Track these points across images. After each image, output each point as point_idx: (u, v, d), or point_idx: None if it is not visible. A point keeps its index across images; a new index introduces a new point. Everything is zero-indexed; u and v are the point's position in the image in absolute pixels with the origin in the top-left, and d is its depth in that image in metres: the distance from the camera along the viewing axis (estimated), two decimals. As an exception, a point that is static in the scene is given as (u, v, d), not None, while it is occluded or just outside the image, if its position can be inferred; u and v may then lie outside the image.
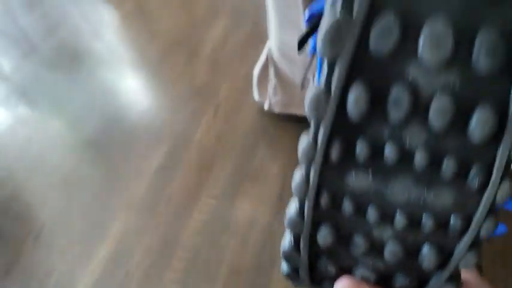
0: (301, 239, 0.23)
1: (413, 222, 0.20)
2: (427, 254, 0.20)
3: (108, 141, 1.22)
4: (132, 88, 1.35)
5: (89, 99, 1.34)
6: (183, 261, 0.97)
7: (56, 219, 1.07)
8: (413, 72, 0.16)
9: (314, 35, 0.45)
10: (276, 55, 1.07)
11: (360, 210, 0.20)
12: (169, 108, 1.28)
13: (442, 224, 0.19)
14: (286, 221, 0.23)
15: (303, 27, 0.53)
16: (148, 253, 0.99)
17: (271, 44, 1.07)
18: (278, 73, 1.11)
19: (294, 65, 1.07)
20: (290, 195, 0.94)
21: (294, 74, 1.09)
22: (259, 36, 1.45)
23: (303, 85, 0.49)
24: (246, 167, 1.13)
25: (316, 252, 0.23)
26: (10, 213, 1.09)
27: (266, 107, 1.19)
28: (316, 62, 0.47)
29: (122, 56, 1.47)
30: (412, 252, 0.21)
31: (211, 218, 1.04)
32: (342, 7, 0.16)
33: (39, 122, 1.30)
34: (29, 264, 0.99)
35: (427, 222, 0.19)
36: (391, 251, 0.21)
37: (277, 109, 1.18)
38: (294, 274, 0.26)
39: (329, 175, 0.20)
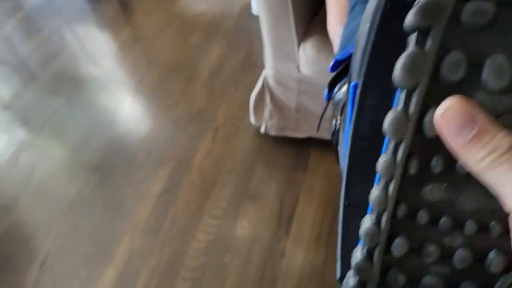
0: (377, 251, 0.24)
1: (482, 228, 0.21)
2: (494, 258, 0.22)
3: (110, 166, 1.26)
4: (132, 113, 1.40)
5: (90, 125, 1.38)
6: (189, 281, 1.01)
7: (61, 245, 1.10)
8: (479, 96, 0.19)
9: (338, 81, 0.49)
10: (271, 82, 1.14)
11: (434, 219, 0.22)
12: (169, 133, 1.33)
13: (508, 228, 0.21)
14: (361, 233, 0.23)
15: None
16: (154, 274, 1.02)
17: (267, 73, 1.13)
18: (273, 99, 1.17)
19: (288, 92, 1.13)
20: (288, 213, 1.01)
21: (289, 99, 1.15)
22: (252, 63, 1.53)
23: (319, 127, 0.54)
24: (245, 187, 1.18)
25: (387, 264, 0.24)
26: (15, 240, 1.12)
27: (262, 130, 1.25)
28: (331, 106, 0.52)
29: (121, 82, 1.52)
30: (479, 258, 0.22)
31: (214, 238, 1.08)
32: (416, 43, 0.19)
33: (41, 148, 1.34)
34: (36, 289, 1.02)
35: (495, 227, 0.21)
36: (461, 257, 0.22)
37: (273, 132, 1.24)
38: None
39: (406, 188, 0.22)
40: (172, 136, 1.32)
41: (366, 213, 0.32)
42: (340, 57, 0.47)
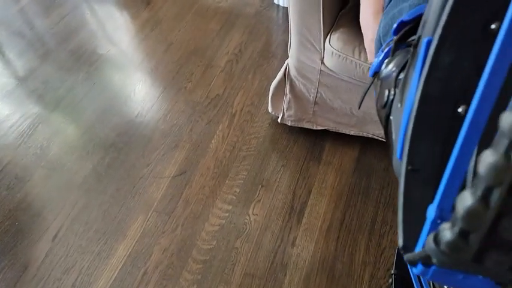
0: (477, 232, 0.21)
1: None
2: None
3: (126, 145, 1.26)
4: (150, 95, 1.41)
5: (107, 104, 1.38)
6: (200, 263, 1.02)
7: (74, 219, 1.11)
8: None
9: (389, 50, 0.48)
10: (293, 73, 1.14)
11: None
12: (186, 116, 1.34)
13: None
14: (461, 213, 0.20)
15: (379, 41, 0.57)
16: (166, 254, 1.03)
17: (290, 62, 1.13)
18: (293, 89, 1.17)
19: (309, 83, 1.14)
20: (301, 203, 1.02)
21: (309, 91, 1.16)
22: (271, 52, 1.53)
23: (360, 105, 0.54)
24: (259, 175, 1.19)
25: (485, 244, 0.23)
26: (28, 212, 1.13)
27: (279, 120, 1.25)
28: (376, 85, 0.51)
29: (139, 64, 1.52)
30: None
31: (226, 223, 1.09)
32: (481, 197, 0.18)
33: (57, 123, 1.35)
34: (47, 262, 1.03)
35: None
36: None
37: (289, 122, 1.25)
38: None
39: None
40: (190, 120, 1.32)
41: (430, 180, 0.30)
42: (407, 17, 0.45)
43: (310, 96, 1.17)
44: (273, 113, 1.27)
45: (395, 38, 0.46)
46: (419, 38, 0.38)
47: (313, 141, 1.26)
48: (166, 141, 1.27)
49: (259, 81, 1.42)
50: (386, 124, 0.44)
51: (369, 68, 0.98)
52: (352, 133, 1.21)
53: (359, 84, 1.05)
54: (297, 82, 1.15)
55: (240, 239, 1.06)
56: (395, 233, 1.07)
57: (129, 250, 1.04)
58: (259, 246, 1.05)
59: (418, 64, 0.34)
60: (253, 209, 1.12)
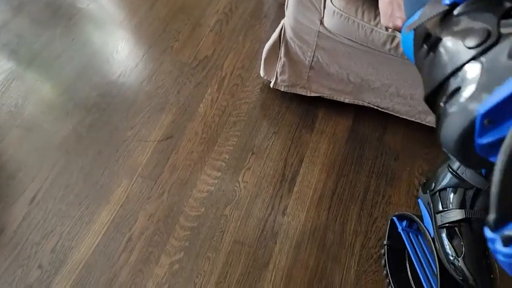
0: None
1: None
2: None
3: (108, 106, 1.19)
4: (133, 54, 1.32)
5: (87, 62, 1.29)
6: (187, 230, 0.98)
7: (52, 182, 1.05)
8: None
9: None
10: (289, 34, 1.08)
11: None
12: (173, 78, 1.26)
13: None
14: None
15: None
16: (152, 220, 0.99)
17: (286, 23, 1.07)
18: (288, 52, 1.11)
19: (306, 46, 1.08)
20: (292, 171, 0.98)
21: (304, 55, 1.10)
22: (263, 12, 1.45)
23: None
24: (249, 141, 1.14)
25: None
26: (2, 173, 1.06)
27: (272, 85, 1.20)
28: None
29: (122, 20, 1.42)
30: None
31: (215, 190, 1.05)
32: None
33: (33, 81, 1.25)
34: (25, 226, 0.97)
35: None
36: None
37: (282, 88, 1.19)
38: None
39: None
40: (177, 81, 1.25)
41: None
42: None
43: (306, 60, 1.11)
44: (265, 78, 1.21)
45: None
46: None
47: (306, 108, 1.21)
48: (151, 104, 1.20)
49: (250, 43, 1.35)
50: (462, 66, 0.38)
51: (371, 30, 0.93)
52: (347, 101, 1.17)
53: (359, 48, 1.00)
54: (292, 44, 1.09)
55: (230, 207, 1.03)
56: (388, 203, 1.06)
57: (113, 215, 0.99)
58: (249, 214, 1.02)
59: None
60: (243, 176, 1.08)
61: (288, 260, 0.96)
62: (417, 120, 1.15)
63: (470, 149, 0.33)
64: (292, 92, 1.20)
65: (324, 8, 0.97)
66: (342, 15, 0.92)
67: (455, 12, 0.41)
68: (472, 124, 0.32)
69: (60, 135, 1.13)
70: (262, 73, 1.21)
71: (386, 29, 0.90)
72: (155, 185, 1.05)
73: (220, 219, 1.01)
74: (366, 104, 1.16)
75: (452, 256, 0.73)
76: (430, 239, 0.80)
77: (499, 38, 0.36)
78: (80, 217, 0.99)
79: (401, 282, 0.91)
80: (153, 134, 1.14)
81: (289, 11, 1.04)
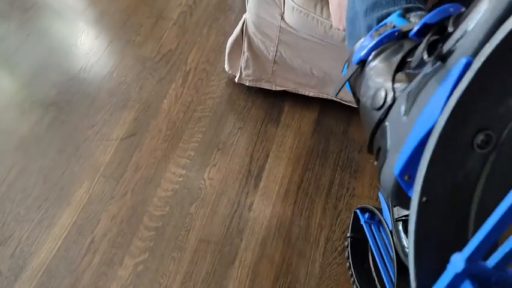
0: None
1: None
2: None
3: (68, 104, 1.15)
4: (94, 48, 1.28)
5: (45, 57, 1.24)
6: (152, 230, 0.97)
7: (10, 185, 1.01)
8: None
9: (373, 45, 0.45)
10: (251, 29, 1.06)
11: None
12: (135, 73, 1.23)
13: None
14: None
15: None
16: (115, 221, 0.97)
17: (247, 17, 1.05)
18: (251, 47, 1.10)
19: (268, 41, 1.07)
20: (258, 167, 0.99)
21: (267, 49, 1.09)
22: (228, 5, 1.43)
23: (338, 92, 0.49)
24: (214, 137, 1.13)
25: None
26: (-43, 176, 1.01)
27: (237, 79, 1.18)
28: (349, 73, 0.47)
29: (81, 12, 1.37)
30: None
31: (180, 188, 1.04)
32: None
33: (-13, 78, 1.20)
34: (-18, 230, 0.94)
35: None
36: None
37: (247, 82, 1.18)
38: None
39: None
40: (139, 77, 1.22)
41: (446, 213, 0.28)
42: (431, 19, 0.40)
43: (269, 54, 1.10)
44: (230, 72, 1.20)
45: (422, 47, 0.39)
46: (448, 51, 0.34)
47: (272, 102, 1.21)
48: (113, 101, 1.17)
49: (215, 37, 1.33)
50: (376, 128, 0.40)
51: (330, 26, 0.93)
52: (311, 94, 1.17)
53: (320, 43, 0.99)
54: (255, 39, 1.08)
55: (195, 205, 1.02)
56: (352, 196, 1.07)
57: (74, 218, 0.97)
58: (215, 212, 1.01)
59: (447, 83, 0.30)
60: (209, 173, 1.07)
61: (254, 256, 0.96)
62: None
63: (405, 196, 0.34)
64: (258, 86, 1.19)
65: (284, 3, 0.96)
66: (301, 11, 0.92)
67: (366, 68, 0.44)
68: (396, 183, 0.35)
69: (17, 136, 1.08)
70: (226, 67, 1.20)
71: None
72: (118, 184, 1.03)
73: (185, 217, 1.00)
74: (330, 97, 1.17)
75: (407, 248, 0.75)
76: (389, 231, 0.82)
77: (394, 96, 0.39)
78: (40, 221, 0.96)
79: (363, 273, 0.93)
80: (115, 132, 1.11)
81: (250, 5, 1.02)
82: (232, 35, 1.11)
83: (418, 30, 0.41)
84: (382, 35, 0.44)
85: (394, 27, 0.44)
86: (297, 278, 0.95)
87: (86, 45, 1.29)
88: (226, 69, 1.20)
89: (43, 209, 0.98)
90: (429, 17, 0.40)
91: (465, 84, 0.27)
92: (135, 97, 1.18)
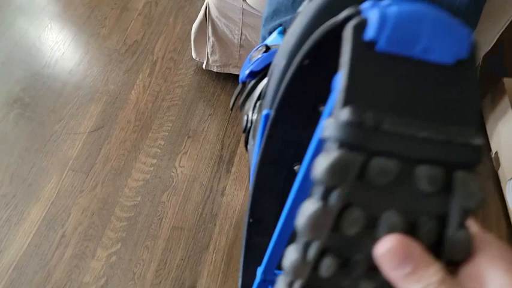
0: (300, 280, 0.25)
1: None
2: None
3: (33, 100, 1.13)
4: (58, 42, 1.25)
5: (7, 53, 1.22)
6: (124, 221, 0.96)
7: (-23, 184, 0.99)
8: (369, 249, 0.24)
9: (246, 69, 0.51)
10: (214, 13, 1.06)
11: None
12: (101, 66, 1.21)
13: None
14: (286, 266, 0.24)
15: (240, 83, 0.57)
16: (86, 214, 0.96)
17: (210, 1, 1.04)
18: (216, 32, 1.09)
19: (232, 24, 1.06)
20: (229, 152, 0.99)
21: (232, 33, 1.08)
22: (194, -7, 1.41)
23: (232, 108, 0.54)
24: (184, 125, 1.12)
25: None
26: None
27: (204, 66, 1.18)
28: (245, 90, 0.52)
29: (44, 7, 1.34)
30: None
31: (151, 177, 1.03)
32: (322, 198, 0.22)
33: None
34: (-50, 232, 0.92)
35: None
36: None
37: (215, 68, 1.18)
38: None
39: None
40: (106, 69, 1.20)
41: (269, 231, 0.33)
42: (257, 67, 0.46)
43: (234, 38, 1.09)
44: (198, 59, 1.19)
45: (246, 90, 0.49)
46: (261, 105, 0.40)
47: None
48: (79, 94, 1.15)
49: (181, 25, 1.31)
50: (246, 145, 0.48)
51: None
52: (280, 77, 1.17)
53: (283, 24, 0.99)
54: (219, 23, 1.07)
55: (167, 193, 1.01)
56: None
57: (44, 213, 0.95)
58: (188, 199, 1.01)
59: (259, 132, 0.37)
60: (180, 161, 1.07)
61: (228, 240, 0.96)
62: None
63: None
64: (226, 71, 1.18)
65: (244, -17, 0.95)
66: (260, -10, 0.91)
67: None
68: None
69: (-18, 135, 1.06)
70: (194, 55, 1.19)
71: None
72: (87, 177, 1.01)
73: (157, 206, 0.99)
74: (298, 79, 1.17)
75: None
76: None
77: (250, 125, 0.46)
78: (8, 218, 0.94)
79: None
80: (83, 125, 1.09)
81: (210, -12, 1.01)
82: (196, 20, 1.10)
83: (248, 76, 0.48)
84: (254, 63, 0.48)
85: (265, 50, 0.49)
86: (271, 259, 0.95)
87: (50, 39, 1.26)
88: (194, 57, 1.19)
89: (11, 206, 0.96)
90: (255, 65, 0.47)
91: (266, 134, 0.33)
92: (102, 89, 1.16)
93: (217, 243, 0.96)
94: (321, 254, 0.23)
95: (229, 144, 1.10)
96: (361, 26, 0.23)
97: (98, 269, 0.90)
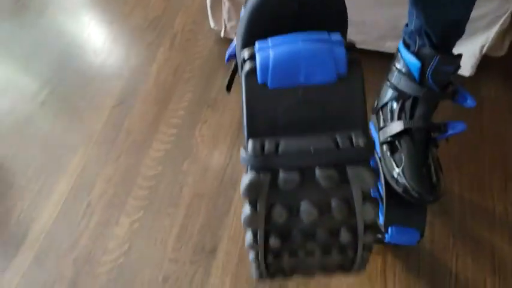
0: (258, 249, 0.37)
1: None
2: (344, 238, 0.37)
3: (62, 80, 1.17)
4: (84, 25, 1.29)
5: (38, 41, 1.27)
6: (145, 189, 0.97)
7: (11, 157, 1.05)
8: (297, 229, 0.37)
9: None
10: (226, -25, 1.03)
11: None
12: (124, 43, 1.23)
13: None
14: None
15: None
16: (110, 184, 0.98)
17: (221, -37, 1.02)
18: (231, -4, 1.07)
19: (246, -15, 1.03)
20: None
21: (247, -5, 1.05)
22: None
23: (228, 88, 0.61)
24: (205, 95, 1.11)
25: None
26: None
27: (222, 33, 1.15)
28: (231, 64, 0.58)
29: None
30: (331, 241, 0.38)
31: (172, 147, 1.03)
32: (250, 206, 0.35)
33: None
34: (-9, 205, 0.98)
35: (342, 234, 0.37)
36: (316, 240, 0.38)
37: (233, 35, 1.15)
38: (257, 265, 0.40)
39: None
40: (128, 46, 1.22)
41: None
42: (232, 52, 0.56)
43: (249, 1, 1.06)
44: (216, 28, 1.17)
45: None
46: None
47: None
48: (104, 71, 1.18)
49: (200, -3, 1.30)
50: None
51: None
52: (300, 39, 1.12)
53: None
54: (232, -14, 1.04)
55: (187, 162, 1.01)
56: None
57: (71, 184, 0.99)
58: (208, 167, 1.00)
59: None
60: (200, 130, 1.06)
61: (248, 206, 0.94)
62: (375, 49, 1.09)
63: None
64: (244, 38, 1.15)
65: None
66: None
67: None
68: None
69: (15, 114, 1.12)
70: (212, 24, 1.17)
71: None
72: (111, 149, 1.04)
73: (178, 175, 0.99)
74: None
75: (394, 170, 0.70)
76: (378, 160, 0.77)
77: None
78: (39, 190, 0.99)
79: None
80: (107, 100, 1.12)
81: (219, -51, 0.98)
82: (209, -14, 1.08)
83: (228, 59, 0.58)
84: (231, 46, 0.58)
85: None
86: (293, 223, 0.91)
87: (76, 23, 1.30)
88: (212, 26, 1.17)
89: (41, 178, 1.01)
90: (231, 49, 0.57)
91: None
92: (125, 65, 1.18)
93: (238, 208, 0.94)
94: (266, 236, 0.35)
95: (249, 111, 1.08)
96: (252, 72, 0.30)
97: (122, 236, 0.92)
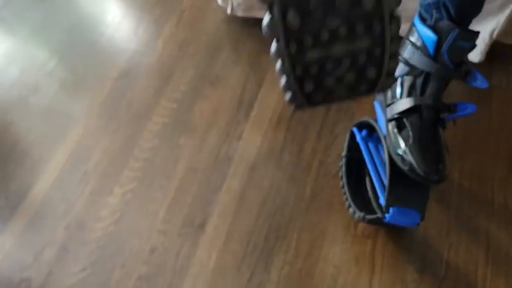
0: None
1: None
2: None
3: (70, 51, 1.19)
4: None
5: (50, 13, 1.29)
6: (141, 161, 0.98)
7: (17, 123, 1.07)
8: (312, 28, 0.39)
9: None
10: (233, -51, 1.01)
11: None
12: (133, 18, 1.24)
13: None
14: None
15: None
16: (106, 154, 0.99)
17: None
18: (238, -29, 1.05)
19: (253, -40, 1.01)
20: (250, 97, 0.96)
21: (254, -30, 1.03)
22: None
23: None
24: (207, 71, 1.11)
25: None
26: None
27: (229, 11, 1.14)
28: None
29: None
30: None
31: (170, 121, 1.03)
32: (269, 13, 0.38)
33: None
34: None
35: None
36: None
37: (240, 13, 1.13)
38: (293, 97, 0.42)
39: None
40: (137, 20, 1.23)
41: None
42: None
43: (255, -23, 1.04)
44: (223, 5, 1.16)
45: None
46: None
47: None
48: (111, 43, 1.18)
49: (211, -26, 1.29)
50: None
51: None
52: (306, 18, 1.10)
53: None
54: (238, -39, 1.03)
55: (184, 136, 1.01)
56: (351, 119, 0.99)
57: (69, 152, 1.00)
58: (204, 142, 1.00)
59: None
60: (200, 105, 1.05)
61: (242, 182, 0.93)
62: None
63: None
64: (251, 15, 1.14)
65: None
66: None
67: None
68: None
69: (21, 82, 1.14)
70: (219, 1, 1.16)
71: None
72: (111, 120, 1.04)
73: (174, 148, 0.99)
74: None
75: (400, 148, 0.68)
76: (383, 137, 0.74)
77: None
78: (39, 157, 1.01)
79: (358, 193, 0.86)
80: (111, 72, 1.13)
81: None
82: (216, -39, 1.06)
83: None
84: None
85: None
86: (286, 202, 0.90)
87: (88, -3, 1.32)
88: (219, 3, 1.16)
89: (41, 146, 1.02)
90: None
91: None
92: (132, 39, 1.19)
93: (231, 184, 0.93)
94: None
95: (251, 89, 1.06)
96: None
97: (114, 205, 0.92)
